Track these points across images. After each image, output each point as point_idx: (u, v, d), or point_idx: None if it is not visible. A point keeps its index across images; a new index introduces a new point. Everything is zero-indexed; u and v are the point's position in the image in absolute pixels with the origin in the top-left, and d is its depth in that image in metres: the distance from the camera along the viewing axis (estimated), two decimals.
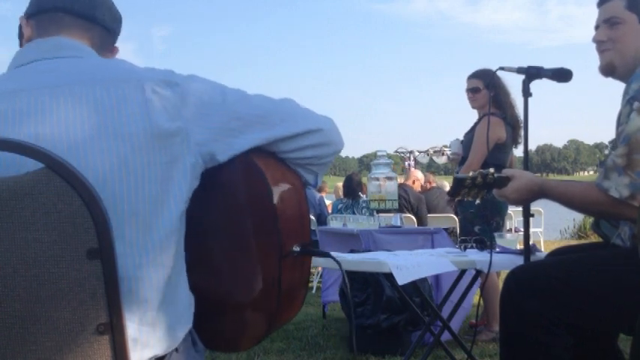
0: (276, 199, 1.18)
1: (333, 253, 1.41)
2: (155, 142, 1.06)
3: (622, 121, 1.83)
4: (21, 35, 1.29)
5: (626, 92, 1.86)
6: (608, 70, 2.02)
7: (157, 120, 1.07)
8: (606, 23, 2.01)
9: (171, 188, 1.08)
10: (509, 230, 4.80)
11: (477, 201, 2.14)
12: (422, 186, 7.35)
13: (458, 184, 2.05)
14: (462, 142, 4.24)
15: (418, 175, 6.81)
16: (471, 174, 2.05)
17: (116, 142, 1.04)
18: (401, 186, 5.60)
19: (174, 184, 1.08)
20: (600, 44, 2.02)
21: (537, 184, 1.98)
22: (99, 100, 1.06)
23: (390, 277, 2.42)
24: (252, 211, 1.21)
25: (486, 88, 3.96)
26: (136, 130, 1.05)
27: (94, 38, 1.26)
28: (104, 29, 1.28)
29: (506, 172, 2.06)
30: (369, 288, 3.71)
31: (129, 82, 1.09)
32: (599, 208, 1.88)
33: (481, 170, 2.05)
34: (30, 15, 1.26)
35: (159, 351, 1.08)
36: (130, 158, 1.04)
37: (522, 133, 2.44)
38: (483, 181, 2.03)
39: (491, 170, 2.06)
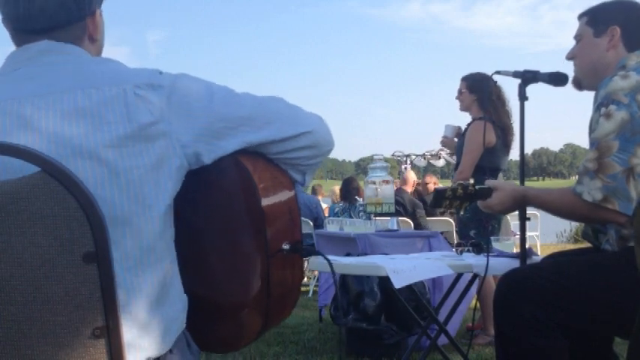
0: (263, 198, 1.18)
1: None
2: (139, 145, 1.06)
3: (593, 127, 1.87)
4: None
5: (595, 99, 1.92)
6: (575, 84, 2.15)
7: (141, 123, 1.06)
8: (574, 40, 2.14)
9: (158, 191, 1.07)
10: (513, 233, 4.79)
11: (461, 212, 2.18)
12: (422, 186, 7.31)
13: (438, 196, 2.10)
14: (455, 146, 4.26)
15: (410, 177, 6.85)
16: (450, 186, 2.10)
17: (99, 148, 1.03)
18: (397, 192, 5.61)
19: (160, 186, 1.08)
20: (571, 61, 2.16)
21: (520, 193, 2.03)
22: (80, 105, 1.06)
23: (386, 280, 2.42)
24: (240, 211, 1.20)
25: (469, 91, 3.99)
26: (119, 134, 1.05)
27: (77, 31, 1.18)
28: (80, 19, 1.18)
29: (488, 183, 2.10)
30: (348, 294, 3.72)
31: (111, 86, 1.08)
32: (576, 213, 1.90)
33: (461, 182, 2.09)
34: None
35: (152, 353, 1.08)
36: (113, 163, 1.03)
37: (517, 137, 2.46)
38: (464, 192, 2.06)
39: (472, 182, 2.10)
